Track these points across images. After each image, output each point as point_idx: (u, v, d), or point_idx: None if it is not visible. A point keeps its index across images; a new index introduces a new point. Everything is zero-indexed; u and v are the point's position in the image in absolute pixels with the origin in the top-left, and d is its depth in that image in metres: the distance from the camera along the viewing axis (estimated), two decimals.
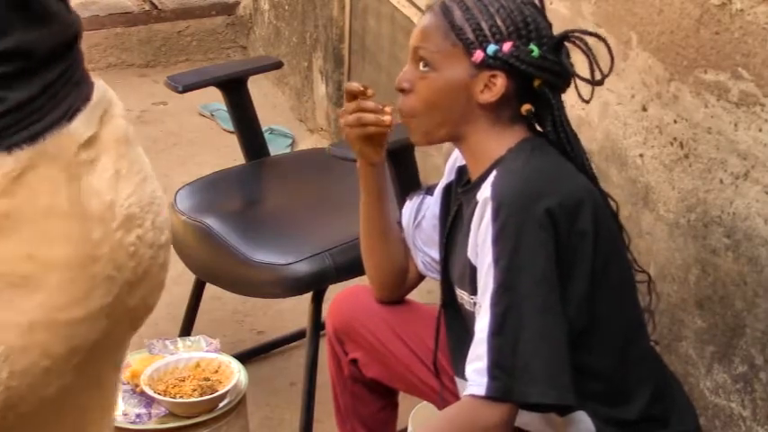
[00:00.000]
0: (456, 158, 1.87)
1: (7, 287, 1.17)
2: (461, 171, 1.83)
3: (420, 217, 1.93)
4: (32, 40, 1.16)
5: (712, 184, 1.94)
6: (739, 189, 1.88)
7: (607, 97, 2.16)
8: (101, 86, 1.29)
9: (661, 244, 2.09)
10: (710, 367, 2.01)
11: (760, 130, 1.81)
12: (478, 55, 1.64)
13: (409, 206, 1.96)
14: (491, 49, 1.64)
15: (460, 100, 1.67)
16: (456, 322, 1.84)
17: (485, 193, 1.62)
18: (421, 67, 1.69)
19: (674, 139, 2.02)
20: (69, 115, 1.20)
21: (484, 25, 1.65)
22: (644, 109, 2.10)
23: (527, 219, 1.57)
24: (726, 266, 1.94)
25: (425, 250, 1.94)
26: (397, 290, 2.02)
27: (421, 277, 2.01)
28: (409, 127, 1.75)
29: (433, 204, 1.91)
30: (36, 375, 1.21)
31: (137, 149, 1.32)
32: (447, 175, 1.89)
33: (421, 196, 1.95)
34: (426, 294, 2.32)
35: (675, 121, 2.02)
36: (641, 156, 2.12)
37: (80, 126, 1.21)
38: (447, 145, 2.81)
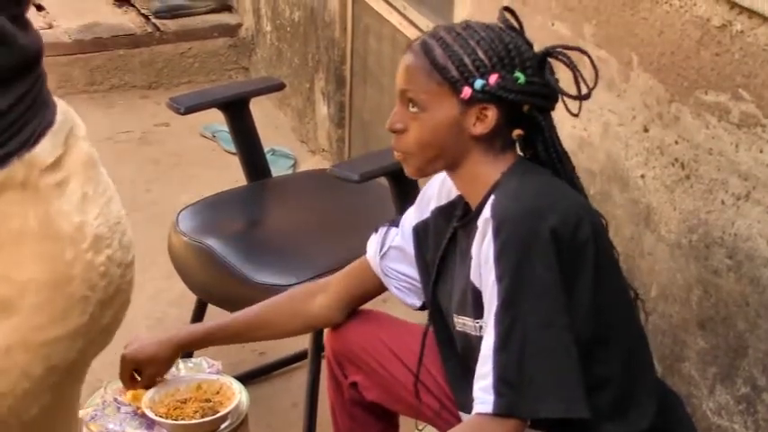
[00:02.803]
0: (430, 198, 1.89)
1: None
2: (440, 211, 1.85)
3: (385, 249, 1.97)
4: None
5: (714, 204, 1.94)
6: (741, 210, 1.88)
7: (608, 118, 2.16)
8: (63, 109, 1.28)
9: (663, 264, 2.09)
10: (713, 388, 2.01)
11: (761, 151, 1.82)
12: (466, 92, 1.65)
13: (375, 239, 2.00)
14: (478, 83, 1.64)
15: (454, 135, 1.68)
16: (451, 356, 1.85)
17: (485, 214, 1.63)
18: (410, 108, 1.69)
19: (676, 159, 2.02)
20: (33, 140, 1.20)
21: (467, 60, 1.65)
22: (645, 130, 2.10)
23: (528, 235, 1.58)
24: (728, 287, 1.93)
25: (398, 276, 1.97)
26: (327, 322, 2.08)
27: (373, 296, 2.03)
28: (403, 162, 1.76)
29: (400, 240, 1.94)
30: (17, 397, 1.23)
31: (101, 171, 1.33)
32: (418, 214, 1.91)
33: (386, 227, 1.98)
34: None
35: (677, 142, 2.02)
36: (642, 176, 2.13)
37: (44, 150, 1.21)
38: None
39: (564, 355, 1.58)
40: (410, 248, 1.93)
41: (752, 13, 1.79)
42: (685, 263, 2.03)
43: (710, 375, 2.01)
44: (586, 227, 1.62)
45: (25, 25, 1.22)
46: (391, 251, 1.96)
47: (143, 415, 2.09)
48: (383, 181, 2.43)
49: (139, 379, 2.08)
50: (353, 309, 2.05)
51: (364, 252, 2.41)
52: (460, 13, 2.73)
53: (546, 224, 1.57)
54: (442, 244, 1.83)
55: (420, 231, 1.90)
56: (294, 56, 4.16)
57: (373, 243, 1.99)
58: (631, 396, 1.70)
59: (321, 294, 2.04)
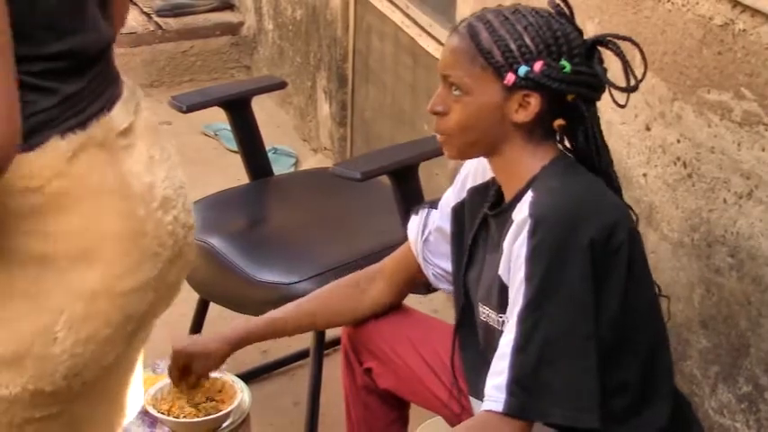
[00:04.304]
0: (466, 177, 1.87)
1: (70, 260, 1.29)
2: (475, 191, 1.83)
3: (427, 232, 1.94)
4: (88, 43, 1.30)
5: (716, 203, 1.94)
6: (743, 208, 1.88)
7: (611, 116, 2.16)
8: (129, 83, 1.41)
9: (665, 263, 2.09)
10: (715, 387, 2.01)
11: (763, 150, 1.82)
12: (510, 78, 1.62)
13: (415, 221, 1.97)
14: (522, 70, 1.61)
15: (495, 120, 1.66)
16: (472, 343, 1.84)
17: (522, 212, 1.60)
18: (453, 91, 1.67)
19: (678, 158, 2.03)
20: (108, 106, 1.33)
21: (512, 46, 1.62)
22: (647, 128, 2.10)
23: (565, 240, 1.56)
24: (730, 286, 1.93)
25: (436, 262, 1.95)
26: (381, 308, 2.03)
27: (422, 283, 2.01)
28: (443, 144, 1.73)
29: (439, 221, 1.92)
30: (98, 343, 1.32)
31: (164, 138, 1.45)
32: (456, 195, 1.89)
33: (426, 210, 1.96)
34: (432, 314, 2.32)
35: (679, 141, 2.02)
36: (645, 175, 2.13)
37: (119, 115, 1.34)
38: (452, 165, 2.82)
39: (582, 363, 1.56)
40: (449, 229, 1.90)
41: (754, 11, 1.79)
42: (687, 261, 2.03)
43: (712, 374, 2.01)
44: (622, 233, 1.60)
45: (110, 11, 1.38)
46: (432, 235, 1.93)
47: (145, 412, 2.09)
48: (385, 179, 2.43)
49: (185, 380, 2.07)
50: (404, 294, 2.04)
51: (366, 250, 2.41)
52: (463, 12, 2.72)
53: (585, 233, 1.55)
54: (474, 228, 1.81)
55: (458, 212, 1.87)
56: (296, 54, 4.16)
57: (414, 226, 1.96)
58: (647, 399, 1.70)
59: (377, 281, 2.03)
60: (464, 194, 1.86)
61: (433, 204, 1.95)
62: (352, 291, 2.04)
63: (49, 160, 1.25)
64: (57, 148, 1.25)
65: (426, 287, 2.03)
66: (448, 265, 1.92)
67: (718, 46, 1.89)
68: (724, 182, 1.91)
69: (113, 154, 1.32)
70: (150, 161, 1.37)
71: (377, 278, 2.03)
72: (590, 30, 2.21)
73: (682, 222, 2.04)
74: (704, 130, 1.95)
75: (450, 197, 1.90)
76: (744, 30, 1.82)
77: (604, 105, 2.18)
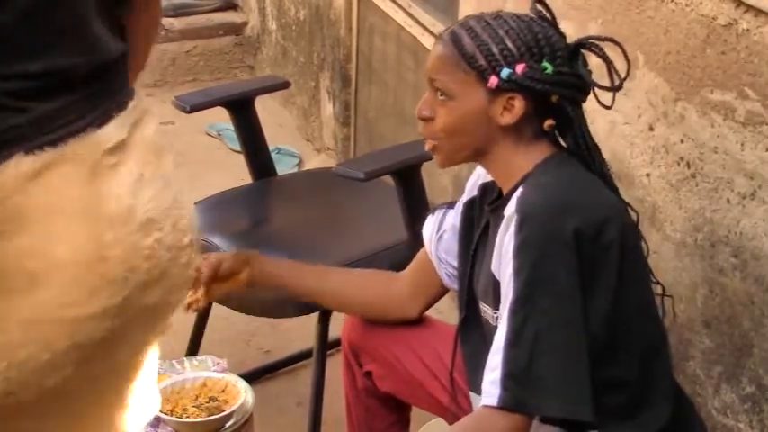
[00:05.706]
0: (479, 175, 1.88)
1: (12, 283, 1.22)
2: (485, 188, 1.83)
3: (441, 230, 1.95)
4: (71, 62, 1.25)
5: (719, 203, 1.94)
6: (746, 209, 1.88)
7: (614, 117, 2.16)
8: (140, 97, 1.37)
9: (668, 263, 2.09)
10: (718, 387, 2.01)
11: (766, 150, 1.81)
12: (493, 81, 1.64)
13: (432, 220, 1.97)
14: (505, 73, 1.63)
15: (481, 124, 1.67)
16: (473, 338, 1.84)
17: (511, 208, 1.62)
18: (439, 96, 1.69)
19: (681, 158, 2.02)
20: (100, 122, 1.27)
21: (495, 49, 1.64)
22: (650, 128, 2.10)
23: (550, 233, 1.57)
24: (733, 286, 1.93)
25: (449, 261, 1.95)
26: (402, 313, 2.02)
27: (443, 291, 2.01)
28: (433, 152, 1.75)
29: (454, 219, 1.93)
30: (36, 366, 1.26)
31: (167, 158, 1.38)
32: (469, 191, 1.90)
33: (444, 210, 1.96)
34: (437, 315, 2.32)
35: (682, 141, 2.02)
36: (648, 175, 2.12)
37: (110, 132, 1.28)
38: (456, 167, 2.82)
39: (574, 356, 1.57)
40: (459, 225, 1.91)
41: (758, 11, 1.79)
42: (690, 262, 2.03)
43: (716, 374, 2.01)
44: (612, 229, 1.60)
45: (118, 31, 1.35)
46: (447, 233, 1.93)
47: None
48: (388, 179, 2.43)
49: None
50: (426, 302, 2.02)
51: (369, 250, 2.41)
52: (465, 11, 2.72)
53: (569, 224, 1.56)
54: (481, 225, 1.82)
55: (468, 208, 1.88)
56: (299, 54, 4.16)
57: (429, 226, 1.97)
58: (646, 398, 1.70)
59: (399, 282, 2.03)
60: (475, 192, 1.87)
61: (451, 205, 1.96)
62: (378, 281, 2.04)
63: (9, 177, 1.19)
64: (19, 165, 1.20)
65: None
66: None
67: (721, 46, 1.89)
68: (727, 182, 1.91)
69: (93, 173, 1.26)
70: (137, 181, 1.31)
71: (399, 280, 2.03)
72: (592, 31, 2.21)
73: (685, 222, 2.04)
74: (707, 131, 1.95)
75: (464, 195, 1.91)
76: (747, 30, 1.82)
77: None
